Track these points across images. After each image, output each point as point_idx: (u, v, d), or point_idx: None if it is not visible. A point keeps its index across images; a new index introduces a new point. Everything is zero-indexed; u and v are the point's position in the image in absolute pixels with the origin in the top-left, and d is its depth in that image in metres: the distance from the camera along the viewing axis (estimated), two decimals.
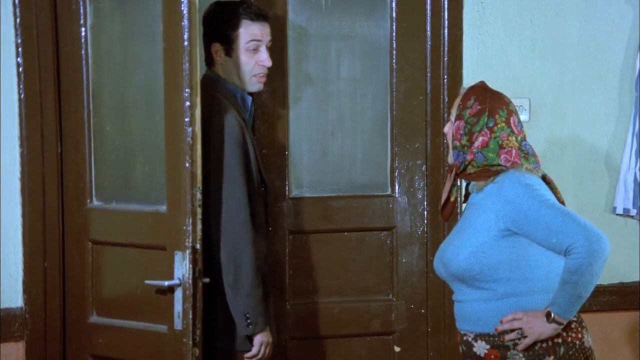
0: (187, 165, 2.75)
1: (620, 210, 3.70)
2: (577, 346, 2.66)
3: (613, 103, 3.72)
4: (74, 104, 3.20)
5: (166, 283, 2.81)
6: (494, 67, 3.61)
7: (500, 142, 2.69)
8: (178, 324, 2.79)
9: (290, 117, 3.56)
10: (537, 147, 3.58)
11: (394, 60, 3.59)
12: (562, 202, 2.74)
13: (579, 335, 2.67)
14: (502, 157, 2.69)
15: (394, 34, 3.59)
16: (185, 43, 2.73)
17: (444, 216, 2.86)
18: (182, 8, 2.72)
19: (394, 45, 3.59)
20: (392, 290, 3.65)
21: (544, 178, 2.73)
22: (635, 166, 3.63)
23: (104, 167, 3.19)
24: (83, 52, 3.18)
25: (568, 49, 3.68)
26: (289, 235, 3.56)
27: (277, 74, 3.48)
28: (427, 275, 3.63)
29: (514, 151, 2.70)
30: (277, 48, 3.45)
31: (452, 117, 2.79)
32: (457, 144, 2.75)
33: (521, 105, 3.61)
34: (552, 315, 2.59)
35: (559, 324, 2.60)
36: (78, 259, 3.21)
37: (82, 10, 3.16)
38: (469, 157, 2.71)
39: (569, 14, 3.66)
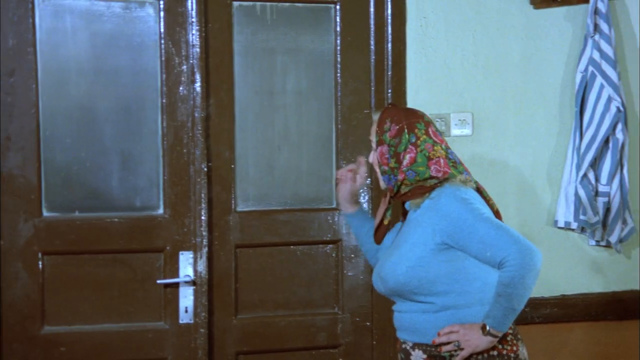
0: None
1: (561, 224, 3.72)
2: (512, 358, 2.68)
3: (554, 118, 3.76)
4: None
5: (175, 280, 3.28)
6: (437, 82, 3.63)
7: (427, 154, 2.72)
8: (185, 319, 3.38)
9: (236, 131, 3.54)
10: (479, 161, 3.63)
11: (339, 74, 3.61)
12: (497, 210, 2.77)
13: (514, 348, 2.70)
14: (432, 168, 2.71)
15: (338, 47, 3.60)
16: None
17: (377, 239, 2.89)
18: None
19: (339, 59, 3.60)
20: (337, 303, 3.65)
21: (476, 187, 2.77)
22: (576, 180, 3.66)
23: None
24: None
25: (510, 65, 3.71)
26: (236, 249, 3.54)
27: (223, 87, 3.48)
28: (372, 289, 3.62)
29: (442, 160, 2.72)
30: (223, 61, 3.45)
31: (374, 145, 2.81)
32: (386, 168, 2.76)
33: (464, 120, 3.65)
34: (487, 328, 2.62)
35: (494, 336, 2.63)
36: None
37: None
38: (400, 177, 2.73)
39: (510, 30, 3.70)
